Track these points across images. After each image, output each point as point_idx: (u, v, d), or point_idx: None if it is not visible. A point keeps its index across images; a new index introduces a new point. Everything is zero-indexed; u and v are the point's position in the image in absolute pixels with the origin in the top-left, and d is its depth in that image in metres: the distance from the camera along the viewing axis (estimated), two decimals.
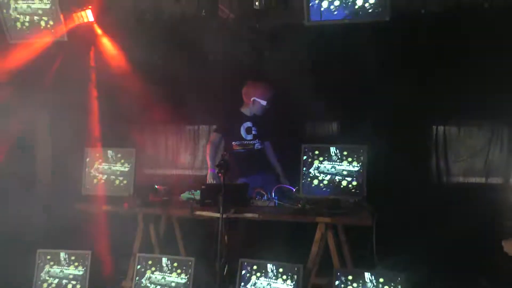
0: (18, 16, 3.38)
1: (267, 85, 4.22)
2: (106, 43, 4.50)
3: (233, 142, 4.27)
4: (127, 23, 4.14)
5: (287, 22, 4.07)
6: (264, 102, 4.16)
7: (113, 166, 3.95)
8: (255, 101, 4.17)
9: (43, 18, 3.35)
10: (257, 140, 4.28)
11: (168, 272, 3.52)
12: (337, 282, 3.21)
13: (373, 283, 3.14)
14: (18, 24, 3.41)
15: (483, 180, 4.56)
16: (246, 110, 4.29)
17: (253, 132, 4.27)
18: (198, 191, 3.81)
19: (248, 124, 4.27)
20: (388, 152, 4.39)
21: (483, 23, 3.92)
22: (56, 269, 3.72)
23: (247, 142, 4.27)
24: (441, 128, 4.65)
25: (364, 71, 4.37)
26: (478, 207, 4.33)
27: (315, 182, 3.56)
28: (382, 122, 4.59)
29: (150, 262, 3.57)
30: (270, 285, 3.33)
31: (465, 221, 4.25)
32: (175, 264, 3.52)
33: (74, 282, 3.67)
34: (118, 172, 3.93)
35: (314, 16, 3.03)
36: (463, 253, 4.29)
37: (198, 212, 3.61)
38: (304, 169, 3.59)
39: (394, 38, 4.16)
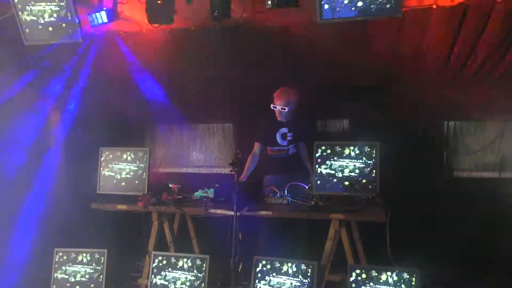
0: (33, 18, 3.42)
1: (281, 90, 4.18)
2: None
3: (269, 148, 4.31)
4: None
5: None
6: (277, 107, 4.12)
7: (127, 165, 3.99)
8: (274, 109, 4.16)
9: (59, 20, 3.38)
10: (291, 145, 4.28)
11: (183, 269, 3.56)
12: (351, 279, 3.23)
13: (388, 280, 3.14)
14: (34, 26, 3.44)
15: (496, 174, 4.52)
16: (281, 117, 4.25)
17: (288, 138, 4.26)
18: (211, 189, 3.84)
19: (284, 130, 4.27)
20: (400, 148, 4.41)
21: None
22: (72, 268, 3.77)
23: (282, 148, 4.29)
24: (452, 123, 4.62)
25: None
26: (492, 202, 4.32)
27: (328, 179, 3.57)
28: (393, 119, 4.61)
29: (165, 260, 3.61)
30: (284, 282, 3.35)
31: (479, 216, 4.25)
32: (190, 262, 3.56)
33: (90, 280, 3.73)
34: (132, 171, 3.97)
35: (326, 15, 3.04)
36: (478, 248, 4.28)
37: (212, 210, 3.64)
38: (317, 166, 3.60)
39: None
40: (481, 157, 4.55)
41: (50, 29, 3.43)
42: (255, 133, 4.41)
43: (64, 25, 3.40)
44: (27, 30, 3.48)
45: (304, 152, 4.30)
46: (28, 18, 3.43)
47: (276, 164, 4.28)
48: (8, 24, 3.60)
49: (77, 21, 3.34)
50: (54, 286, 3.77)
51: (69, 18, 3.33)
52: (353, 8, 3.10)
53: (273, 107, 4.14)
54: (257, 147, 4.33)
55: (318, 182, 3.62)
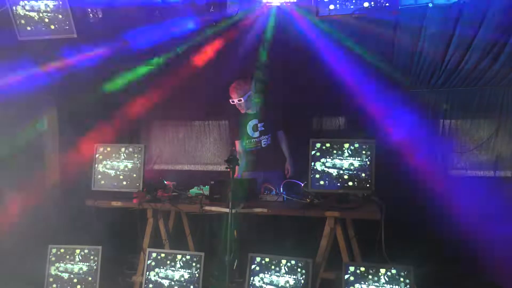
0: (27, 13, 3.39)
1: (233, 84, 4.23)
2: None
3: (246, 141, 4.33)
4: None
5: None
6: (234, 101, 4.20)
7: (122, 162, 3.98)
8: (232, 103, 4.22)
9: (53, 15, 3.35)
10: (265, 136, 4.28)
11: (178, 267, 3.55)
12: (346, 276, 3.23)
13: (382, 277, 3.15)
14: (28, 21, 3.42)
15: (491, 173, 4.53)
16: (248, 110, 4.31)
17: (260, 129, 4.29)
18: (206, 186, 3.83)
19: (254, 121, 4.30)
20: (395, 145, 4.42)
21: None
22: (67, 264, 3.76)
23: (254, 139, 4.29)
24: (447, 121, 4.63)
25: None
26: (487, 199, 4.33)
27: (324, 176, 3.57)
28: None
29: (159, 257, 3.60)
30: (279, 279, 3.35)
31: (473, 213, 4.26)
32: (185, 259, 3.55)
33: (85, 277, 3.72)
34: (127, 168, 3.96)
35: (322, 12, 3.03)
36: (473, 245, 4.29)
37: (207, 208, 3.63)
38: (312, 163, 3.60)
39: None
40: (476, 155, 4.55)
41: (45, 23, 3.40)
42: (230, 133, 4.43)
43: (59, 20, 3.37)
44: (20, 26, 3.44)
45: (283, 140, 4.33)
46: (21, 13, 3.39)
47: (249, 158, 4.27)
48: None
49: (71, 16, 3.30)
50: (48, 283, 3.75)
51: (63, 13, 3.30)
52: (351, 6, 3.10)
53: (231, 101, 4.21)
54: (238, 144, 4.35)
55: (314, 179, 3.61)
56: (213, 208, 3.60)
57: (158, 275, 3.58)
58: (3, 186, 4.35)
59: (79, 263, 3.75)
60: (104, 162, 4.00)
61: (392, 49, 4.18)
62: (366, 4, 3.24)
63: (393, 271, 3.14)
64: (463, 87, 4.43)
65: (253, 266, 3.41)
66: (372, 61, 4.29)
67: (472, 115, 4.53)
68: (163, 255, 3.61)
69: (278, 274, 3.35)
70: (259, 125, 4.29)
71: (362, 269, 3.21)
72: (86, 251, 3.75)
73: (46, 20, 3.40)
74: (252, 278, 3.40)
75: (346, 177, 3.53)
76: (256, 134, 4.29)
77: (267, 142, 4.31)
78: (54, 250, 3.80)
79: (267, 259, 3.40)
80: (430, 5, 3.66)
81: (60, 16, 3.37)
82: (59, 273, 3.76)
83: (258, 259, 3.41)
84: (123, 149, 4.00)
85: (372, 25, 3.89)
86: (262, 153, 4.28)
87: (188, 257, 3.56)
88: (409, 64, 4.28)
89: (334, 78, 4.45)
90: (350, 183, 3.53)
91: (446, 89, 4.48)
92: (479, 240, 4.28)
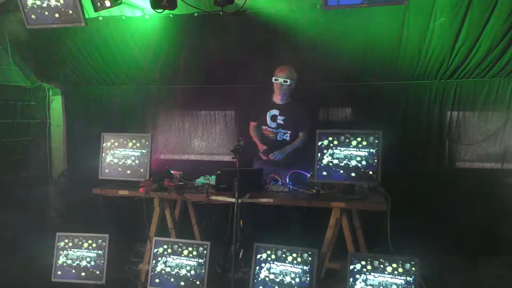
0: (34, 1, 3.38)
1: (284, 66, 4.16)
2: None
3: (262, 127, 4.30)
4: None
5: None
6: (278, 80, 4.10)
7: (129, 151, 3.99)
8: (275, 82, 4.14)
9: (61, 3, 3.34)
10: (281, 130, 4.23)
11: (184, 255, 3.58)
12: (351, 267, 3.24)
13: (388, 268, 3.16)
14: (36, 10, 3.41)
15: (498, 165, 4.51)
16: (277, 98, 4.25)
17: (278, 121, 4.23)
18: (213, 176, 3.84)
19: (275, 112, 4.24)
20: (402, 137, 4.41)
21: None
22: (74, 252, 3.80)
23: (271, 129, 4.26)
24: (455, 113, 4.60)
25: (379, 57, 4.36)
26: (493, 192, 4.32)
27: (330, 167, 3.57)
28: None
29: (166, 246, 3.63)
30: (285, 270, 3.36)
31: (479, 206, 4.26)
32: (191, 248, 3.58)
33: (92, 265, 3.76)
34: (134, 157, 3.98)
35: (331, 1, 3.00)
36: (478, 237, 4.30)
37: (213, 197, 3.65)
38: (319, 154, 3.60)
39: None
40: (483, 148, 4.53)
41: (54, 13, 3.39)
42: (249, 114, 4.44)
43: (67, 9, 3.36)
44: (32, 16, 3.44)
45: (298, 139, 4.22)
46: (30, 2, 3.39)
47: (265, 143, 4.21)
48: None
49: (79, 5, 3.29)
50: (56, 270, 3.80)
51: (72, 2, 3.29)
52: None
53: (275, 79, 4.13)
54: (251, 125, 4.35)
55: (320, 170, 3.61)
56: (219, 198, 3.61)
57: (164, 263, 3.61)
58: None
59: (86, 251, 3.78)
60: (112, 152, 4.02)
61: (400, 39, 4.14)
62: None
63: (399, 262, 3.15)
64: (471, 78, 4.39)
65: (258, 256, 3.43)
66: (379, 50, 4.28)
67: (480, 107, 4.50)
68: (169, 243, 3.64)
69: (284, 264, 3.37)
70: (279, 117, 4.22)
71: (368, 259, 3.22)
72: (93, 239, 3.78)
73: (54, 8, 3.39)
74: (257, 268, 3.42)
75: (352, 168, 3.53)
76: (274, 124, 4.24)
77: (282, 137, 4.24)
78: (62, 238, 3.83)
79: (272, 249, 3.41)
80: None
81: (69, 5, 3.36)
82: (67, 261, 3.80)
83: (263, 248, 3.43)
84: (130, 139, 4.01)
85: (381, 14, 3.87)
86: (274, 146, 4.18)
87: (194, 246, 3.58)
88: (417, 54, 4.24)
89: (341, 68, 4.46)
90: (356, 174, 3.52)
91: (454, 80, 4.44)
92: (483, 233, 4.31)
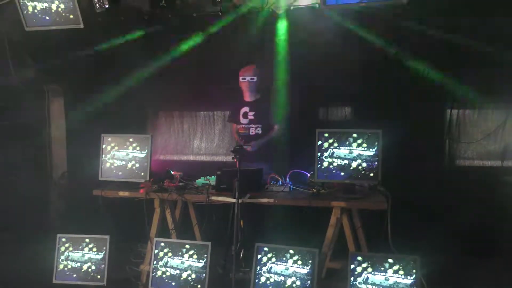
0: (33, 3, 3.38)
1: (247, 66, 4.38)
2: None
3: (238, 126, 4.46)
4: None
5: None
6: (246, 78, 4.32)
7: (129, 152, 3.99)
8: (242, 81, 4.35)
9: (59, 5, 3.34)
10: (253, 125, 4.37)
11: (185, 256, 3.57)
12: (352, 266, 3.23)
13: (389, 267, 3.16)
14: (34, 11, 3.41)
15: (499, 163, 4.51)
16: (246, 96, 4.44)
17: (250, 117, 4.38)
18: (213, 176, 3.84)
19: (245, 109, 4.41)
20: (402, 136, 4.39)
21: None
22: (75, 254, 3.80)
23: (244, 125, 4.39)
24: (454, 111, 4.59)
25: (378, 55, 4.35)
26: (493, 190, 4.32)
27: (330, 167, 3.56)
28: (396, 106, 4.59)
29: (167, 247, 3.63)
30: (286, 269, 3.36)
31: (480, 204, 4.25)
32: (192, 249, 3.57)
33: (93, 267, 3.76)
34: (134, 158, 3.98)
35: (330, 0, 3.00)
36: (478, 235, 4.29)
37: (213, 198, 3.65)
38: (319, 154, 3.60)
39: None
40: (483, 146, 4.53)
41: (50, 14, 3.40)
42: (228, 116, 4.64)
43: (67, 14, 3.36)
44: (27, 15, 3.44)
45: (272, 131, 4.35)
46: (28, 2, 3.39)
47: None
48: None
49: (77, 7, 3.30)
50: (57, 271, 3.80)
51: (70, 3, 3.29)
52: None
53: (242, 79, 4.33)
54: (233, 127, 4.56)
55: (320, 169, 3.60)
56: (220, 198, 3.61)
57: (165, 264, 3.61)
58: None
59: (87, 252, 3.78)
60: (112, 153, 4.02)
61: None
62: None
63: (399, 261, 3.15)
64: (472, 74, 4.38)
65: (259, 256, 3.42)
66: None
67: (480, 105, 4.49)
68: (170, 244, 3.64)
69: (285, 263, 3.37)
70: (249, 113, 4.37)
71: (368, 259, 3.22)
72: (94, 240, 3.79)
73: (53, 10, 3.39)
74: (258, 268, 3.41)
75: (352, 167, 3.52)
76: (245, 121, 4.40)
77: (255, 131, 4.36)
78: (63, 239, 3.84)
79: (273, 249, 3.41)
80: None
81: (67, 7, 3.36)
82: (68, 262, 3.80)
83: (264, 249, 3.42)
84: (130, 139, 4.01)
85: (380, 11, 3.88)
86: (248, 141, 4.29)
87: (195, 246, 3.58)
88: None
89: (340, 66, 4.45)
90: (357, 174, 3.52)
91: (454, 76, 4.42)
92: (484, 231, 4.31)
